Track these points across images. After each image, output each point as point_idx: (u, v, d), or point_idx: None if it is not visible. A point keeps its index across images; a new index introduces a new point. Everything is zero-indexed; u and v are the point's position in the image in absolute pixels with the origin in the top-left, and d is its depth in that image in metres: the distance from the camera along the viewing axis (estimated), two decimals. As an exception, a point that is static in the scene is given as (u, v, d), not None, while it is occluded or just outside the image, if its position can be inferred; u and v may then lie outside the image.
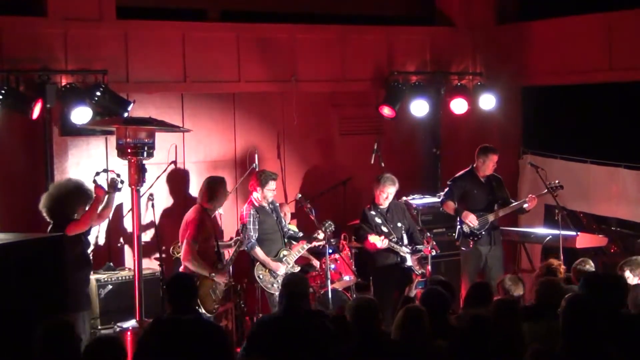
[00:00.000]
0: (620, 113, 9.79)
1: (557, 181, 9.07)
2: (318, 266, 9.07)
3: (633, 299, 6.03)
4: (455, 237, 9.37)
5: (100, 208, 7.47)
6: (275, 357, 5.60)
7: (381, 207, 8.99)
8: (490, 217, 9.14)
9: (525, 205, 9.16)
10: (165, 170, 9.13)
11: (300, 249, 8.85)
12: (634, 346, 5.35)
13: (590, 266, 7.31)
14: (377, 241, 8.69)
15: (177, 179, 9.59)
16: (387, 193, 8.91)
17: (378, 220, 8.90)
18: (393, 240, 8.78)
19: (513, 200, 9.38)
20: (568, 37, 10.22)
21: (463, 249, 9.27)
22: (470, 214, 9.08)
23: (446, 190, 9.38)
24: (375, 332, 5.42)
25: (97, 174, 7.47)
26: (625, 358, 5.07)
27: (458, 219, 9.20)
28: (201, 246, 8.06)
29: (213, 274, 8.01)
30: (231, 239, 9.15)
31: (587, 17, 10.00)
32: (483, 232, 9.13)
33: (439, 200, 9.49)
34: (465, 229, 9.15)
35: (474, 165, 9.30)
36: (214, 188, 8.29)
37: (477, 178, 9.28)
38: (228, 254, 8.57)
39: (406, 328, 5.33)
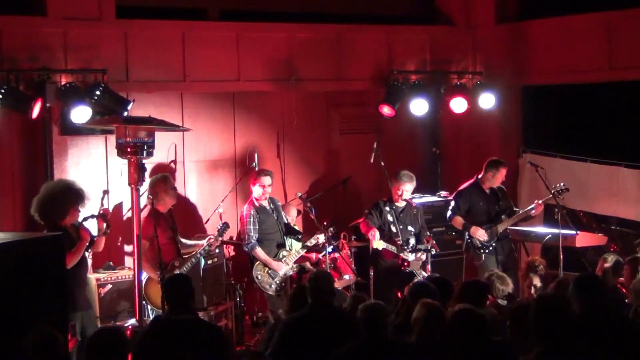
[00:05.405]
0: (620, 112, 9.78)
1: (562, 184, 9.03)
2: (310, 266, 9.05)
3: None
4: (464, 248, 9.39)
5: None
6: (306, 356, 5.59)
7: (396, 204, 8.97)
8: (499, 228, 9.14)
9: (532, 212, 9.15)
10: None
11: (301, 249, 8.85)
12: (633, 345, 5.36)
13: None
14: (375, 240, 8.66)
15: (177, 178, 9.58)
16: (402, 190, 8.89)
17: (390, 218, 8.89)
18: (399, 243, 8.76)
19: (517, 209, 9.38)
20: (568, 37, 10.22)
21: (476, 262, 9.25)
22: (479, 229, 9.06)
23: (452, 205, 9.32)
24: (383, 334, 5.34)
25: (85, 219, 7.40)
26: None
27: (467, 234, 9.19)
28: (158, 241, 7.90)
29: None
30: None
31: (587, 17, 9.99)
32: (493, 244, 9.13)
33: (447, 216, 9.39)
34: (476, 242, 9.14)
35: (479, 177, 9.29)
36: (153, 187, 8.32)
37: (481, 190, 9.26)
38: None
39: (428, 324, 5.31)
